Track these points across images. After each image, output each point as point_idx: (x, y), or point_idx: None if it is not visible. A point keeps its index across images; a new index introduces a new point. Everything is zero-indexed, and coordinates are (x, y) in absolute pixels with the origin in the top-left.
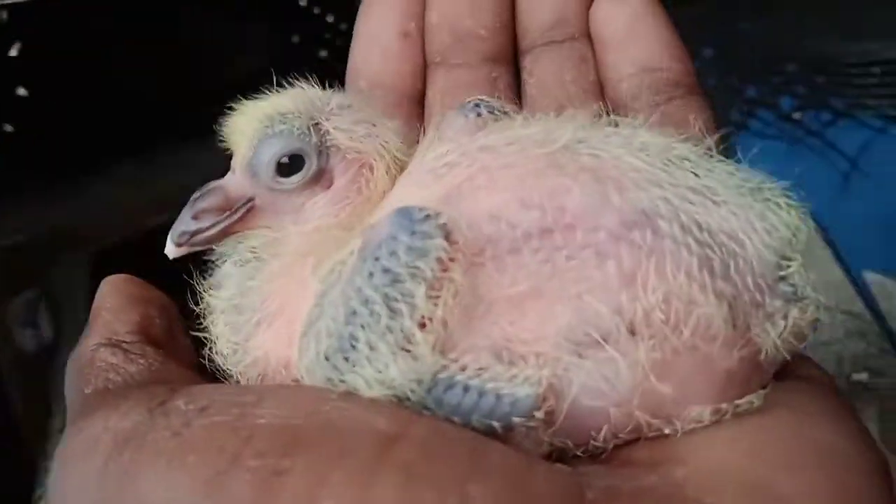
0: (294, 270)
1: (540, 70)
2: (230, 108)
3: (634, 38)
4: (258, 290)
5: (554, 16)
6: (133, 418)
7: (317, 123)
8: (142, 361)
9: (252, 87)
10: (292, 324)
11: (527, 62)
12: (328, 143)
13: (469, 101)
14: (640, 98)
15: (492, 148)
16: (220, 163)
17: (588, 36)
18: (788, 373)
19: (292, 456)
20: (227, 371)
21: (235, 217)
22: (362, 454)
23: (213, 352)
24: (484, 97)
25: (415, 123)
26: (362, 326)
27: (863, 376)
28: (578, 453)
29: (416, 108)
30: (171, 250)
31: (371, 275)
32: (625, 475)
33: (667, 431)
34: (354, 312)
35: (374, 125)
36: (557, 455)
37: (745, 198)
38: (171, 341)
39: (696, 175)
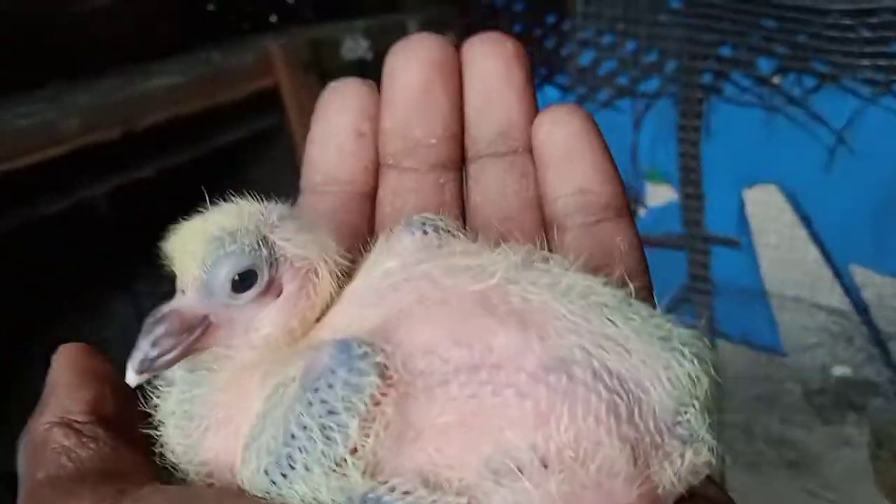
0: (241, 383)
1: (485, 179)
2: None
3: (571, 160)
4: (207, 399)
5: (499, 129)
6: None
7: (265, 237)
8: (93, 446)
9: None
10: (238, 433)
11: (473, 170)
12: (277, 255)
13: (416, 219)
14: (572, 217)
15: (432, 278)
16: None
17: (530, 150)
18: (692, 496)
19: None
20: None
21: (193, 337)
22: None
23: (163, 447)
24: (430, 215)
25: (366, 219)
26: (300, 449)
27: (846, 371)
28: None
29: (368, 203)
30: (132, 378)
31: (310, 404)
32: None
33: None
34: (293, 436)
35: (312, 232)
36: None
37: (654, 347)
38: (122, 421)
39: (612, 323)
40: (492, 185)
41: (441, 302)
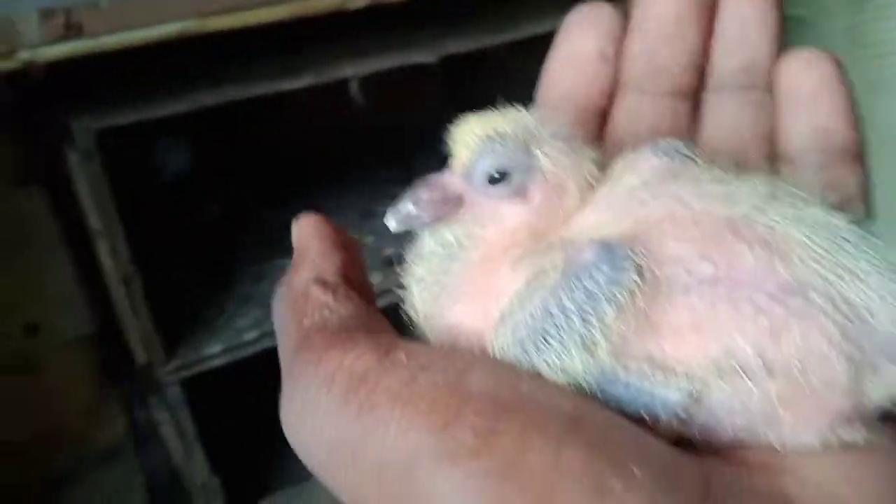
0: (492, 265)
1: (720, 110)
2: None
3: (816, 101)
4: (460, 272)
5: (743, 65)
6: (365, 363)
7: (529, 147)
8: (350, 305)
9: None
10: (487, 306)
11: (710, 101)
12: (534, 166)
13: (662, 143)
14: (808, 155)
15: (681, 199)
16: None
17: (770, 90)
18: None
19: (503, 420)
20: (416, 328)
21: (447, 207)
22: (555, 428)
23: (407, 308)
24: (675, 141)
25: (597, 136)
26: (556, 326)
27: None
28: (702, 446)
29: (600, 122)
30: (392, 225)
31: (573, 290)
32: (740, 473)
33: (779, 448)
34: (552, 315)
35: (576, 154)
36: (683, 444)
37: (885, 279)
38: (365, 287)
39: (850, 255)
40: (728, 116)
41: (691, 220)
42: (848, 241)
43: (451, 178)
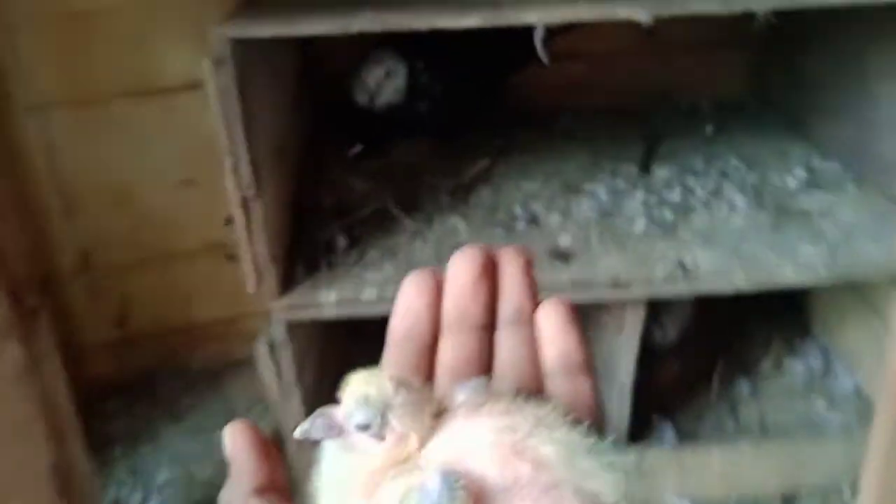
0: (374, 480)
1: (506, 343)
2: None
3: (556, 337)
4: (351, 486)
5: (515, 307)
6: None
7: (385, 412)
8: None
9: None
10: None
11: (499, 335)
12: (386, 422)
13: (469, 383)
14: (557, 371)
15: (482, 432)
16: None
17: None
18: None
19: None
20: None
21: (332, 432)
22: None
23: None
24: (477, 379)
25: (429, 364)
26: None
27: None
28: None
29: (431, 353)
30: (295, 436)
31: None
32: None
33: None
34: None
35: (417, 415)
36: None
37: (607, 473)
38: (287, 490)
39: (584, 460)
40: (511, 346)
41: (490, 447)
42: (581, 451)
43: (337, 413)
